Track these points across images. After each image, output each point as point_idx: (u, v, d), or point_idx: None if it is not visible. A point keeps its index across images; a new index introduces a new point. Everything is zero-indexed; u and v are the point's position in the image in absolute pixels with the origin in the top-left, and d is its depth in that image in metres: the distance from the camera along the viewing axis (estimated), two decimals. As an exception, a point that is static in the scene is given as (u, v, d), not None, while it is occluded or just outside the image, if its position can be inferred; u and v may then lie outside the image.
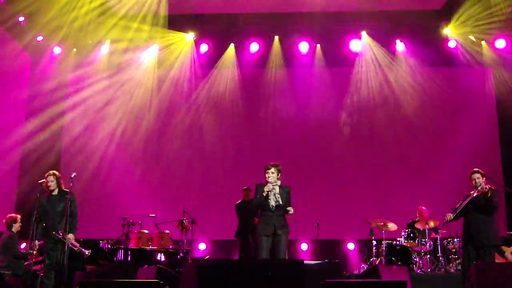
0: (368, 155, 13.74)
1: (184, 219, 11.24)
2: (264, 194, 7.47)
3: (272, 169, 7.58)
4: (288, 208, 7.53)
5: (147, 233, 11.02)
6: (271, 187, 7.47)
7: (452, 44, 13.20)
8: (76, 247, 8.24)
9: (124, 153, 13.87)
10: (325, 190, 13.69)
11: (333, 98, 13.89)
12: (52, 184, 8.33)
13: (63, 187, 8.39)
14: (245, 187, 11.28)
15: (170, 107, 14.10)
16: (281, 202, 7.54)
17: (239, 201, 11.30)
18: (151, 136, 14.03)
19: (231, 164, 13.78)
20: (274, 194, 7.55)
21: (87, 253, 8.45)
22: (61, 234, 8.01)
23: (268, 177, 7.57)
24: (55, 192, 8.41)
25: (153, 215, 11.32)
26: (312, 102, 13.94)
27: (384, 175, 13.64)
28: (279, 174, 7.68)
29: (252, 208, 7.95)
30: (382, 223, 10.82)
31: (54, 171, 8.53)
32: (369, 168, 13.69)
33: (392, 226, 10.92)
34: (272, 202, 7.53)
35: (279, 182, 7.69)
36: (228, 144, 13.90)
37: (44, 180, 8.32)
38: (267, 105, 13.92)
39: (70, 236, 8.07)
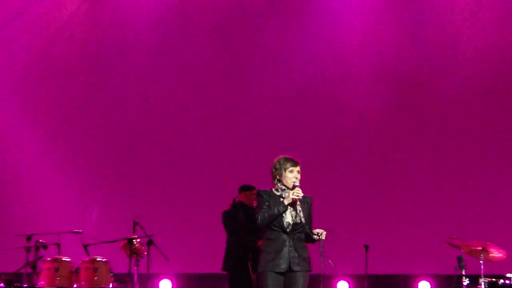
0: (445, 139, 13.73)
1: (135, 238, 11.03)
2: (286, 202, 7.81)
3: (299, 168, 8.01)
4: (318, 231, 7.79)
5: (69, 261, 10.92)
6: (301, 194, 7.82)
7: None
8: None
9: (29, 129, 13.86)
10: (376, 193, 13.55)
11: (381, 41, 13.78)
12: None
13: None
14: (243, 186, 10.92)
15: (105, 55, 14.20)
16: (302, 219, 7.85)
17: (229, 207, 10.94)
18: (75, 100, 14.07)
19: (213, 148, 13.72)
20: (294, 206, 7.88)
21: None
22: None
23: (296, 178, 7.96)
24: None
25: (79, 231, 11.37)
26: (346, 44, 13.80)
27: (476, 170, 13.54)
28: None
29: (258, 225, 8.02)
30: (479, 248, 10.54)
31: None
32: (448, 157, 13.61)
33: (496, 252, 10.65)
34: (288, 218, 7.84)
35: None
36: (205, 115, 13.94)
37: None
38: (268, 53, 13.86)
39: None
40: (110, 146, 14.05)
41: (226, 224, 10.81)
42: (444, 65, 13.97)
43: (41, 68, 14.23)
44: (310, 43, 14.09)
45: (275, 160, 8.03)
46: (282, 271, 7.72)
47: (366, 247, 11.84)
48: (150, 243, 11.20)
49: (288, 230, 7.76)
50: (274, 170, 7.93)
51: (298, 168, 7.95)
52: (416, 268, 13.38)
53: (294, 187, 7.84)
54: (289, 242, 7.80)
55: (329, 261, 7.68)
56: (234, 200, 10.92)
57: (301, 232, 7.86)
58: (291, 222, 7.76)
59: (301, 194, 7.76)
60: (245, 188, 10.79)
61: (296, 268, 7.70)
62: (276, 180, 7.93)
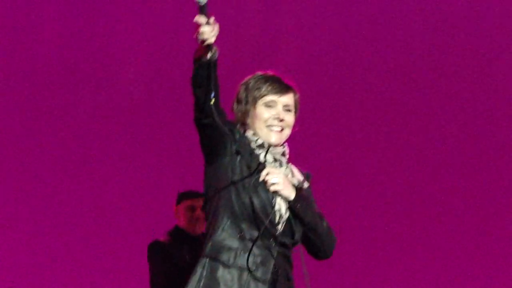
0: None
1: None
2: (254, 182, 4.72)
3: (288, 99, 4.89)
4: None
5: None
6: (278, 183, 4.68)
7: None
8: None
9: None
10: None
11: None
12: None
13: None
14: (181, 194, 7.92)
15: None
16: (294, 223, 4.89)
17: (166, 236, 7.98)
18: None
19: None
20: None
21: None
22: None
23: (277, 120, 4.90)
24: None
25: None
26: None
27: None
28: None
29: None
30: None
31: None
32: None
33: None
34: (281, 205, 4.90)
35: (284, 159, 4.93)
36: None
37: None
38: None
39: None
40: None
41: (151, 271, 7.47)
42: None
43: None
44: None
45: (246, 79, 4.81)
46: None
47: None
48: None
49: (276, 230, 4.65)
50: (236, 103, 4.69)
51: (286, 100, 4.79)
52: None
53: (268, 148, 4.65)
54: (276, 264, 4.71)
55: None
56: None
57: (291, 242, 4.84)
58: (284, 215, 4.71)
59: (278, 183, 4.64)
60: (180, 198, 7.65)
61: None
62: (238, 124, 4.70)
